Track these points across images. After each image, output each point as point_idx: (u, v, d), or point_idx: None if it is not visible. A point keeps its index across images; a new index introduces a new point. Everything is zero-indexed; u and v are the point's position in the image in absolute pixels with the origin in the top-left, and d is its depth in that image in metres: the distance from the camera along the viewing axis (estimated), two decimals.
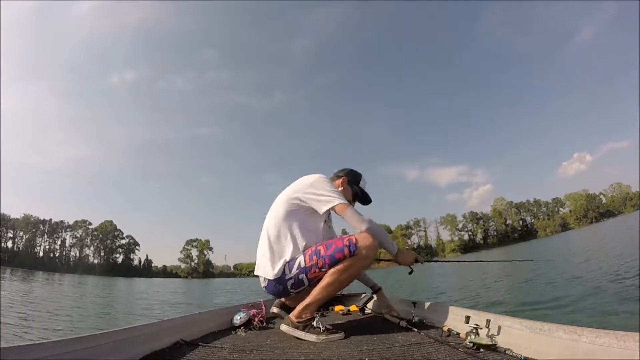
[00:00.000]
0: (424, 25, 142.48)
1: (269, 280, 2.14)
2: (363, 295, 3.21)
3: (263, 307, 2.61)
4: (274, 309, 2.32)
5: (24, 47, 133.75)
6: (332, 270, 2.01)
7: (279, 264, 2.10)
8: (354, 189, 2.40)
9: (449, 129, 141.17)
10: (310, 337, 1.93)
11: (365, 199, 2.46)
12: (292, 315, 2.03)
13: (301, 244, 2.12)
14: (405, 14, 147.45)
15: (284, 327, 2.02)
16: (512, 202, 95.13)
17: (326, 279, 2.01)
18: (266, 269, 2.14)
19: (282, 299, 2.41)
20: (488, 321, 1.69)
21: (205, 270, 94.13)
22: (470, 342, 1.58)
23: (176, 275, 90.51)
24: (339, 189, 2.30)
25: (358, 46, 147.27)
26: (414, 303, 2.49)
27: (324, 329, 1.96)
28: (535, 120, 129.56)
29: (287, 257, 2.09)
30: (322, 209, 2.07)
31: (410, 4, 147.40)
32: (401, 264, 2.22)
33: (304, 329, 1.97)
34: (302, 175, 2.23)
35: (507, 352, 1.47)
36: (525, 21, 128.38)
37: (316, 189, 2.10)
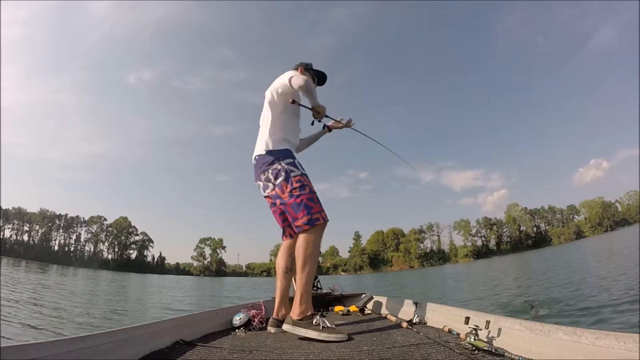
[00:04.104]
0: (443, 24, 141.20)
1: (258, 155, 2.37)
2: (363, 295, 3.20)
3: (263, 307, 2.62)
4: (271, 329, 2.30)
5: (46, 42, 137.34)
6: (300, 257, 2.14)
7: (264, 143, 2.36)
8: (311, 73, 2.70)
9: (468, 132, 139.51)
10: (312, 333, 1.95)
11: (321, 79, 2.79)
12: (292, 314, 2.08)
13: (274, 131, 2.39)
14: (424, 14, 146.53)
15: (285, 327, 2.08)
16: (526, 208, 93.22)
17: (299, 266, 2.14)
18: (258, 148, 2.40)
19: (276, 316, 2.38)
20: (488, 322, 1.69)
21: (218, 269, 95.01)
22: (468, 344, 1.58)
23: (189, 273, 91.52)
24: None
25: (378, 45, 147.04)
26: (416, 303, 2.50)
27: (325, 326, 1.98)
28: (554, 125, 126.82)
29: (269, 141, 2.35)
30: (284, 79, 2.33)
31: (429, 4, 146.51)
32: (317, 111, 2.40)
33: (305, 326, 2.00)
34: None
35: (507, 353, 1.46)
36: (543, 22, 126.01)
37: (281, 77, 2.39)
